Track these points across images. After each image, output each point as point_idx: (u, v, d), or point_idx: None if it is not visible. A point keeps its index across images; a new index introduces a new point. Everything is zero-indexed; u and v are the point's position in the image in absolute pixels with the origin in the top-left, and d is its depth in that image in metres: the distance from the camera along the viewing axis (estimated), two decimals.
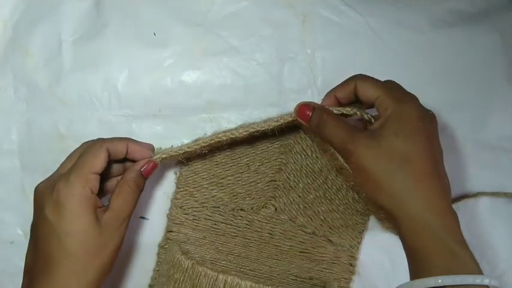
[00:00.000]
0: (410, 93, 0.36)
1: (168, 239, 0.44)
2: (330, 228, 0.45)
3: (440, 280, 0.31)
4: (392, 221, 0.35)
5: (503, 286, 0.45)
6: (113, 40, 0.45)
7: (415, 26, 0.46)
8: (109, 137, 0.41)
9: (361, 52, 0.46)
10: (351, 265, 0.45)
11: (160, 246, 0.44)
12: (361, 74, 0.38)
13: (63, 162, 0.38)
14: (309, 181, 0.45)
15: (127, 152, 0.39)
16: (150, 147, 0.40)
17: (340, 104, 0.39)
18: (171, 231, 0.44)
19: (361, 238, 0.46)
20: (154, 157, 0.40)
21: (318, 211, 0.45)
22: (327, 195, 0.45)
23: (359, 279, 0.45)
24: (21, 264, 0.45)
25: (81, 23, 0.45)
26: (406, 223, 0.33)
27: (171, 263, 0.43)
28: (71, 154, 0.39)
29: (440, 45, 0.47)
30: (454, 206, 0.45)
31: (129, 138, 0.40)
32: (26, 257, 0.37)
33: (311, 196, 0.45)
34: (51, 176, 0.38)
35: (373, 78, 0.37)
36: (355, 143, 0.35)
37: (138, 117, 0.45)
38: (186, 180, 0.45)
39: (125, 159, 0.40)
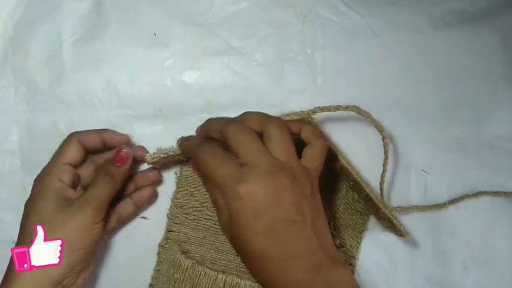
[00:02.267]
0: (251, 169, 0.33)
1: (169, 239, 0.44)
2: (330, 228, 0.45)
3: None
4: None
5: (503, 286, 0.46)
6: (113, 40, 0.45)
7: (415, 26, 0.46)
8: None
9: (361, 52, 0.46)
10: (351, 265, 0.45)
11: (161, 246, 0.45)
12: (203, 148, 0.36)
13: None
14: None
15: (103, 142, 0.42)
16: (125, 136, 0.43)
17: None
18: (171, 231, 0.44)
19: (361, 238, 0.46)
20: (153, 156, 0.41)
21: None
22: (327, 195, 0.45)
23: (359, 279, 0.45)
24: None
25: (82, 23, 0.45)
26: None
27: (171, 262, 0.43)
28: None
29: (440, 45, 0.47)
30: (454, 206, 0.46)
31: (106, 129, 0.43)
32: None
33: None
34: None
35: (211, 152, 0.35)
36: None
37: (138, 117, 0.45)
38: (186, 180, 0.45)
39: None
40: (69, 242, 0.36)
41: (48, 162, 0.40)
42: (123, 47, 0.45)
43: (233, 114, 0.45)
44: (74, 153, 0.40)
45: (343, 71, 0.46)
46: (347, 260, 0.45)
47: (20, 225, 0.38)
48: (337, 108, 0.39)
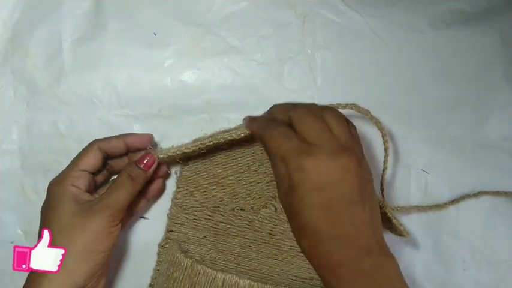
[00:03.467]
0: (311, 149, 0.33)
1: (169, 239, 0.44)
2: None
3: None
4: None
5: (503, 286, 0.46)
6: (113, 40, 0.45)
7: (415, 26, 0.47)
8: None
9: (361, 52, 0.46)
10: None
11: (161, 246, 0.44)
12: (271, 125, 0.37)
13: None
14: None
15: (127, 146, 0.41)
16: (149, 136, 0.42)
17: None
18: (171, 231, 0.44)
19: None
20: (159, 155, 0.41)
21: None
22: None
23: None
24: None
25: (81, 23, 0.45)
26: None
27: (171, 261, 0.43)
28: None
29: (440, 45, 0.47)
30: (454, 206, 0.46)
31: (127, 133, 0.42)
32: None
33: None
34: None
35: (278, 131, 0.36)
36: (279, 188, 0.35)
37: (138, 117, 0.45)
38: (186, 180, 0.45)
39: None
40: (90, 247, 0.36)
41: (66, 167, 0.40)
42: (123, 46, 0.45)
43: (233, 114, 0.45)
44: (92, 160, 0.40)
45: (343, 71, 0.46)
46: None
47: (38, 230, 0.38)
48: (336, 106, 0.39)
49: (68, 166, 0.40)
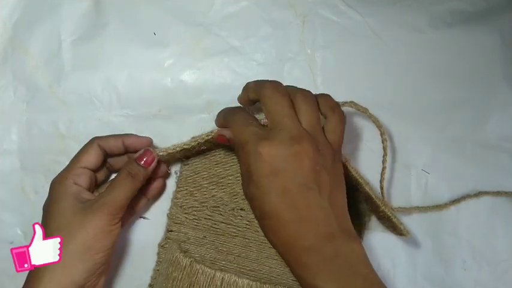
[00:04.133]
0: (283, 131, 0.34)
1: (168, 239, 0.44)
2: None
3: None
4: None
5: (503, 286, 0.45)
6: (113, 40, 0.45)
7: (415, 26, 0.47)
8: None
9: (361, 52, 0.46)
10: None
11: (161, 246, 0.44)
12: (234, 113, 0.38)
13: None
14: None
15: (126, 147, 0.41)
16: (148, 139, 0.42)
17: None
18: (171, 231, 0.44)
19: (361, 238, 0.46)
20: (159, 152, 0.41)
21: None
22: None
23: None
24: None
25: (81, 23, 0.45)
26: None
27: (170, 261, 0.43)
28: None
29: (440, 45, 0.47)
30: (454, 206, 0.46)
31: (127, 134, 0.42)
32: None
33: None
34: None
35: (239, 117, 0.37)
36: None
37: (138, 117, 0.45)
38: (186, 180, 0.45)
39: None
40: (89, 245, 0.36)
41: (67, 165, 0.39)
42: (123, 46, 0.45)
43: None
44: (93, 157, 0.39)
45: (343, 71, 0.46)
46: None
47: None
48: None
49: (69, 164, 0.40)
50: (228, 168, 0.45)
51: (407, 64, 0.46)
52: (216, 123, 0.40)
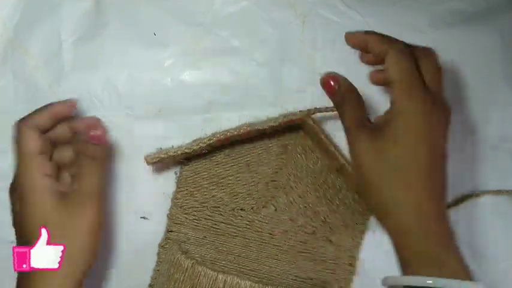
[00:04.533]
0: (427, 88, 0.34)
1: (168, 239, 0.44)
2: (330, 228, 0.45)
3: (430, 281, 0.31)
4: (379, 222, 0.36)
5: (503, 286, 0.45)
6: (113, 40, 0.45)
7: (415, 26, 0.46)
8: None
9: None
10: (351, 265, 0.45)
11: (161, 246, 0.44)
12: (377, 35, 0.37)
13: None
14: (309, 181, 0.45)
15: (55, 120, 0.38)
16: (72, 101, 0.40)
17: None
18: (171, 231, 0.44)
19: (361, 238, 0.46)
20: (153, 156, 0.41)
21: (318, 211, 0.45)
22: (327, 195, 0.45)
23: (359, 279, 0.45)
24: None
25: (81, 23, 0.45)
26: (390, 227, 0.34)
27: (171, 262, 0.43)
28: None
29: (440, 45, 0.46)
30: (454, 206, 0.46)
31: (50, 104, 0.39)
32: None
33: (311, 196, 0.45)
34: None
35: (402, 53, 0.35)
36: (358, 138, 0.34)
37: (138, 117, 0.45)
38: (186, 180, 0.45)
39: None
40: (84, 242, 0.36)
41: (20, 161, 0.36)
42: (123, 46, 0.45)
43: (233, 114, 0.45)
44: (37, 141, 0.36)
45: (343, 71, 0.46)
46: (347, 260, 0.45)
47: (18, 234, 0.37)
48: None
49: (19, 158, 0.36)
50: (228, 169, 0.45)
51: None
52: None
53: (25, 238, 0.36)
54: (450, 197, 0.46)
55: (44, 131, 0.38)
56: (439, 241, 0.32)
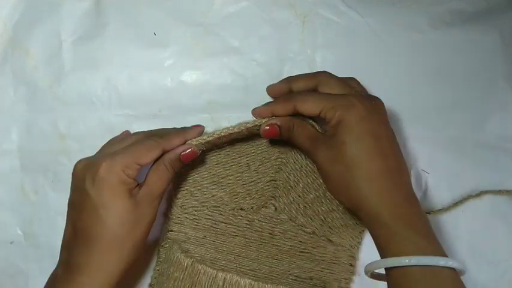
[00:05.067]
0: (349, 95, 0.38)
1: (168, 238, 0.44)
2: (330, 228, 0.45)
3: (406, 260, 0.33)
4: (355, 216, 0.41)
5: (503, 286, 0.45)
6: (113, 40, 0.45)
7: (414, 26, 0.47)
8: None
9: (361, 52, 0.46)
10: (351, 265, 0.45)
11: (161, 246, 0.44)
12: (300, 94, 0.40)
13: (109, 144, 0.40)
14: (309, 181, 0.45)
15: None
16: (202, 128, 0.42)
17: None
18: (171, 231, 0.44)
19: (361, 238, 0.46)
20: (194, 143, 0.40)
21: (318, 211, 0.45)
22: (327, 195, 0.45)
23: (359, 279, 0.45)
24: (21, 264, 0.45)
25: (81, 23, 0.45)
26: (364, 218, 0.37)
27: (171, 261, 0.43)
28: (119, 139, 0.41)
29: (440, 45, 0.47)
30: (454, 206, 0.46)
31: (184, 130, 0.41)
32: (65, 231, 0.38)
33: (311, 196, 0.45)
34: (93, 155, 0.39)
35: (311, 94, 0.39)
36: (315, 152, 0.38)
37: (138, 117, 0.45)
38: (186, 180, 0.45)
39: None
40: (142, 240, 0.37)
41: (122, 152, 0.37)
42: (123, 46, 0.45)
43: (233, 114, 0.45)
44: (152, 160, 0.38)
45: (343, 71, 0.46)
46: (347, 260, 0.45)
47: (69, 227, 0.37)
48: None
49: (126, 151, 0.37)
50: (228, 168, 0.45)
51: (407, 64, 0.46)
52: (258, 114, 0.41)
53: (90, 233, 0.36)
54: (450, 197, 0.46)
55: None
56: (410, 223, 0.34)
